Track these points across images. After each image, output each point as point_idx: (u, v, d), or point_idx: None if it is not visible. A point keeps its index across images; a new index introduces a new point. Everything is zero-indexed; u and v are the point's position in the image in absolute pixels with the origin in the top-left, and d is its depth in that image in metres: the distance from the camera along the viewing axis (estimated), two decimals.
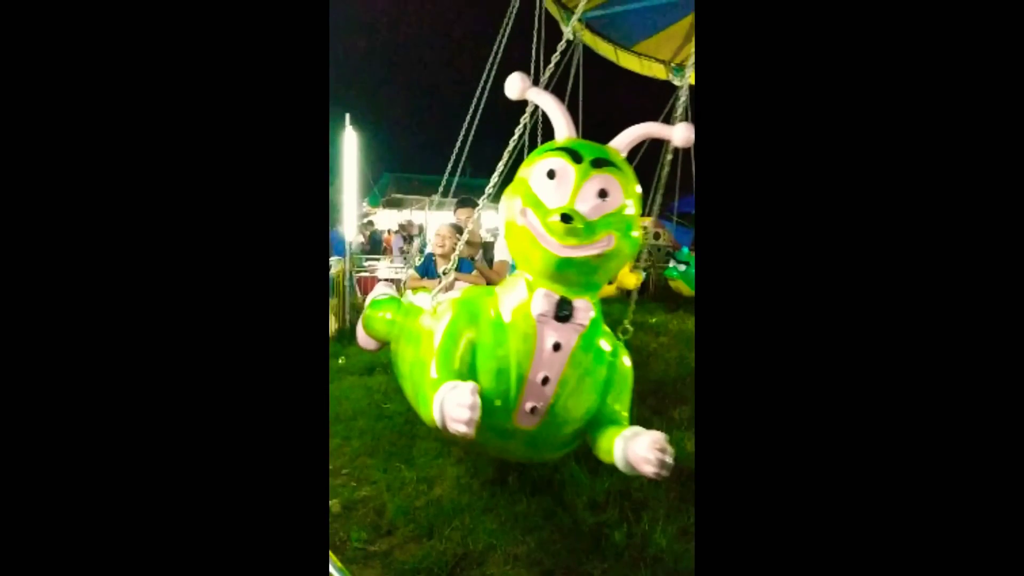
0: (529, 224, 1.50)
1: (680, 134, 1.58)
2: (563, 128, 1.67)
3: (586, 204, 1.47)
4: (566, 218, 1.42)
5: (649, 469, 1.36)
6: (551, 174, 1.51)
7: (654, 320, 5.79)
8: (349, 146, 5.20)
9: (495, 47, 4.34)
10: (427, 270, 3.06)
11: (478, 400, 1.33)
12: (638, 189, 1.59)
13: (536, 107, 1.80)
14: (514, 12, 4.42)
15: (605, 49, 6.13)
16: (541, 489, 2.16)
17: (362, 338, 2.41)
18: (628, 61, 6.33)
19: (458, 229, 2.91)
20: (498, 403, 1.54)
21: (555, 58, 2.07)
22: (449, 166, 4.23)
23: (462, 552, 1.80)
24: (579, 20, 4.78)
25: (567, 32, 2.20)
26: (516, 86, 1.70)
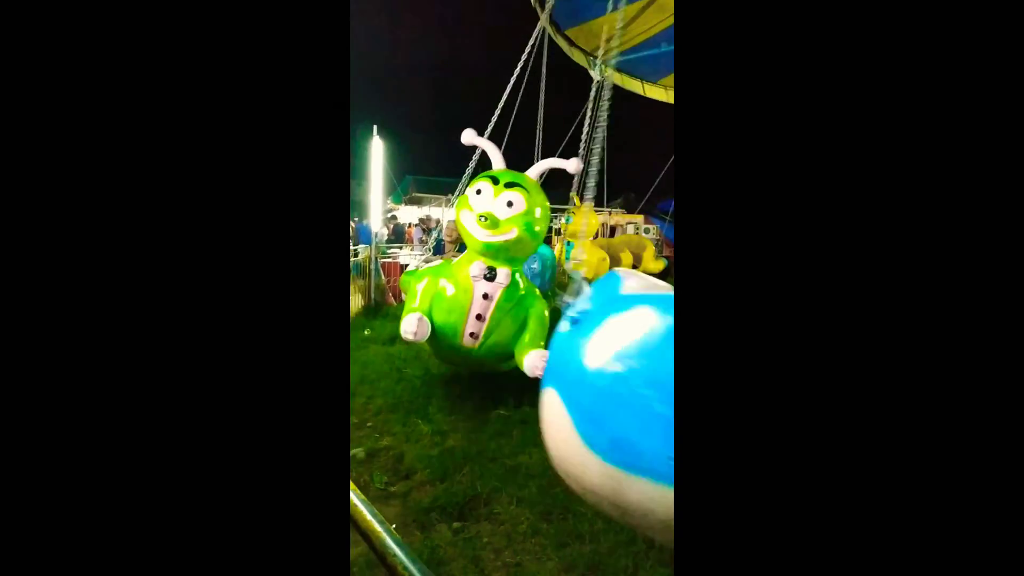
0: (466, 222, 2.47)
1: (573, 166, 2.66)
2: (497, 162, 2.62)
3: (499, 210, 2.40)
4: (483, 218, 2.36)
5: (535, 372, 2.21)
6: (479, 191, 2.45)
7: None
8: (376, 152, 5.41)
9: (514, 76, 4.48)
10: (437, 250, 3.92)
11: (422, 323, 2.40)
12: (543, 201, 2.50)
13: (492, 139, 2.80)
14: (534, 49, 4.58)
15: (632, 84, 6.59)
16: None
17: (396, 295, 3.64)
18: (654, 92, 6.94)
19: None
20: (450, 330, 2.49)
21: (593, 99, 3.43)
22: (469, 170, 4.43)
23: (472, 494, 1.85)
24: (605, 65, 5.10)
25: (595, 74, 3.10)
26: (468, 137, 2.76)
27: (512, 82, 4.40)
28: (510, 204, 2.38)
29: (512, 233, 2.38)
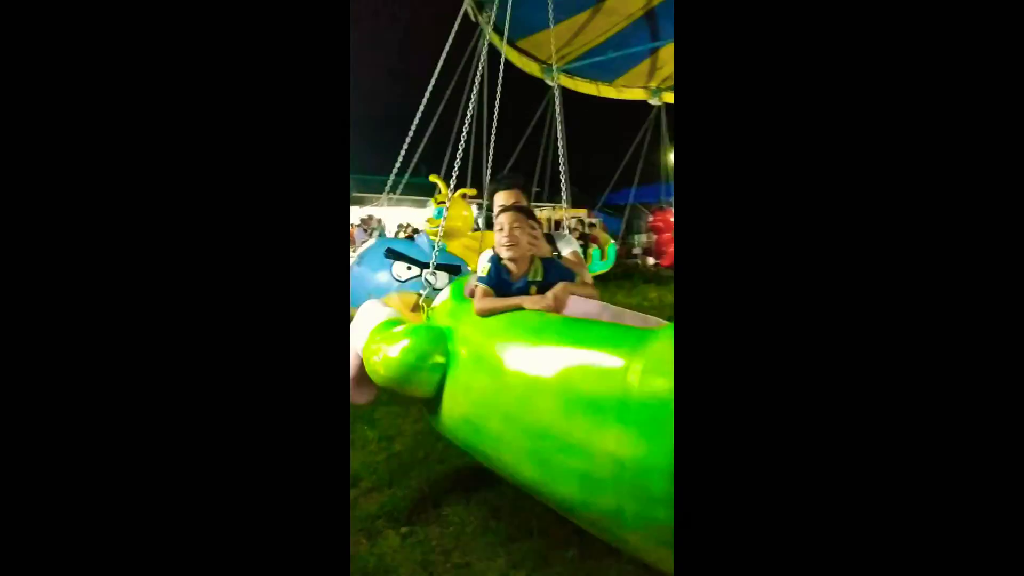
0: None
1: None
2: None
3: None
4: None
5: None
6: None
7: None
8: None
9: (452, 79, 4.46)
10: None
11: None
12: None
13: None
14: (478, 55, 4.58)
15: (586, 87, 6.84)
16: None
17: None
18: (608, 92, 7.25)
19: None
20: None
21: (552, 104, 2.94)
22: (397, 166, 4.30)
23: (419, 497, 1.82)
24: (559, 71, 5.18)
25: (548, 80, 3.10)
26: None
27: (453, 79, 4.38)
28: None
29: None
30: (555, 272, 1.54)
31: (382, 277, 3.19)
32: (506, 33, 3.94)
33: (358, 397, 1.75)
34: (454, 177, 2.67)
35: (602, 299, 1.57)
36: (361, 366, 1.64)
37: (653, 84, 7.47)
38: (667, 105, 7.81)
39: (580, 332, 1.19)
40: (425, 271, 2.26)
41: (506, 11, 4.09)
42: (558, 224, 10.38)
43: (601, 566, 1.49)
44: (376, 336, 1.59)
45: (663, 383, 0.89)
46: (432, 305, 1.84)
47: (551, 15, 3.59)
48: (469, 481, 1.93)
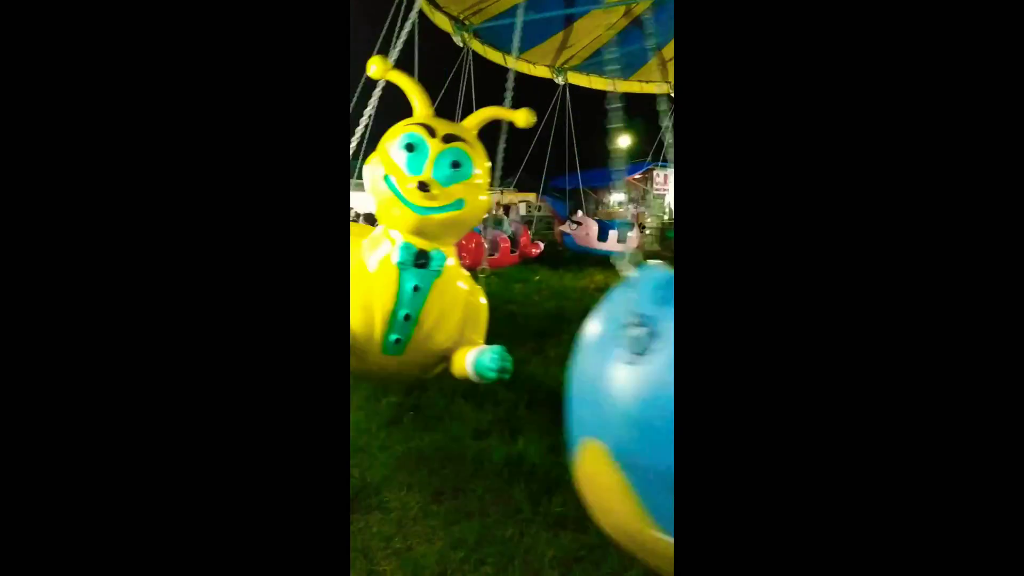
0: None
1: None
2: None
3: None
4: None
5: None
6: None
7: (537, 278, 6.05)
8: None
9: (382, 48, 4.23)
10: None
11: None
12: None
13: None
14: (403, 22, 4.35)
15: (494, 56, 6.43)
16: (432, 427, 2.21)
17: None
18: (514, 63, 6.69)
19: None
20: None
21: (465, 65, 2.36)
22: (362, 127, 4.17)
23: (360, 485, 1.81)
24: (467, 31, 4.77)
25: (458, 40, 2.52)
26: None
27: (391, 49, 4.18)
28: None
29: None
30: None
31: None
32: None
33: None
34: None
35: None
36: None
37: (558, 63, 6.71)
38: (570, 86, 6.90)
39: None
40: None
41: None
42: (507, 209, 10.53)
43: (538, 542, 1.54)
44: None
45: None
46: None
47: None
48: (410, 468, 1.93)
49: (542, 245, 7.87)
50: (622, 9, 4.97)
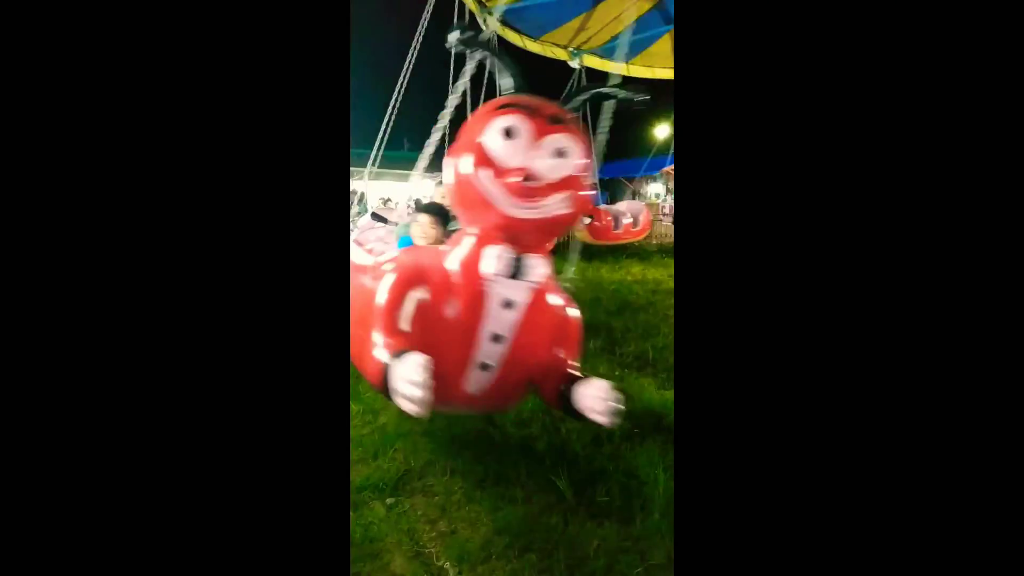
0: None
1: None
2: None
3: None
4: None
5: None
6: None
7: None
8: None
9: (417, 34, 4.21)
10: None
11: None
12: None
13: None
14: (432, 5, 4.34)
15: (513, 37, 6.32)
16: (475, 415, 2.21)
17: None
18: (533, 47, 6.60)
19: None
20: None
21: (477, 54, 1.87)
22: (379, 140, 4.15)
23: (404, 469, 1.83)
24: (491, 14, 4.71)
25: (484, 26, 2.32)
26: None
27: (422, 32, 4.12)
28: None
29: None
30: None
31: None
32: None
33: None
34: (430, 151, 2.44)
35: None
36: None
37: (574, 45, 6.36)
38: (587, 69, 6.64)
39: None
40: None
41: None
42: None
43: (583, 531, 1.52)
44: None
45: None
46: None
47: None
48: (454, 451, 1.94)
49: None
50: None
